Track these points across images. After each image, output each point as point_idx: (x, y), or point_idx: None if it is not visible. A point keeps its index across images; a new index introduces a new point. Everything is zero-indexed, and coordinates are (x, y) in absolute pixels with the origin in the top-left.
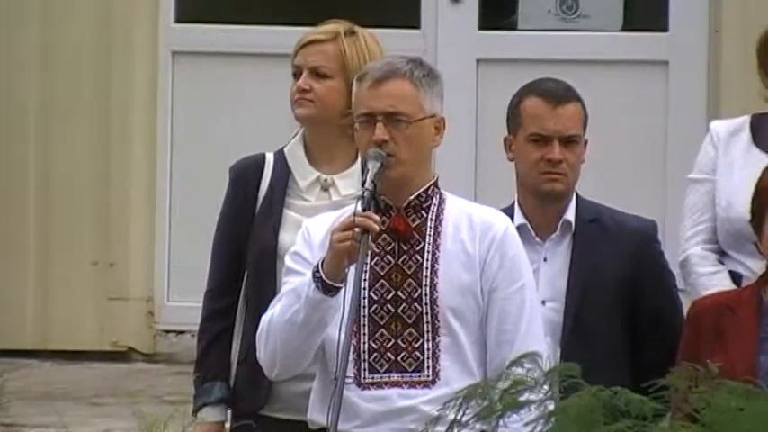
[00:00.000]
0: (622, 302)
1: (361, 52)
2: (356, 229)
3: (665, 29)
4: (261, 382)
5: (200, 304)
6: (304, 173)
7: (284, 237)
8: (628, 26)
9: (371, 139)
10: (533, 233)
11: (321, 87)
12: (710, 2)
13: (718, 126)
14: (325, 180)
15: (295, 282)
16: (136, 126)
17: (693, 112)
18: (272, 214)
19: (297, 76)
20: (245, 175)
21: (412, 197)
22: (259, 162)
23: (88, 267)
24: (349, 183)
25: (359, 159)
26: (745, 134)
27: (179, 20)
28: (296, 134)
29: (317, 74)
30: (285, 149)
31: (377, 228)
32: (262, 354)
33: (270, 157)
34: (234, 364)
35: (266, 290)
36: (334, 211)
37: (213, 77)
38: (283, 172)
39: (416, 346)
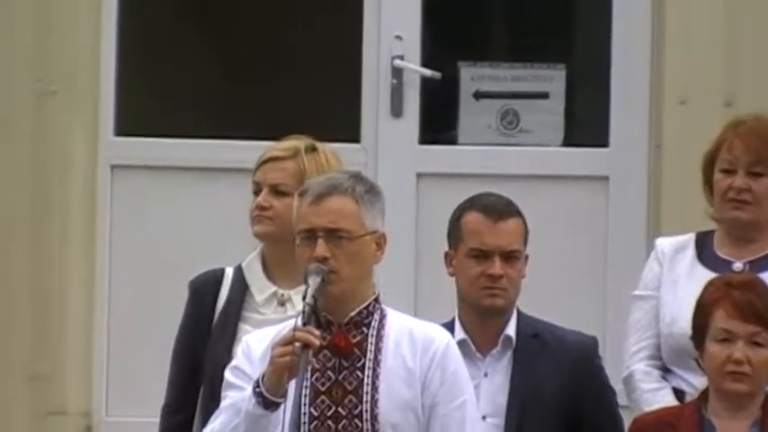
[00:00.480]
0: (562, 419)
1: (320, 168)
2: (297, 344)
3: (605, 144)
4: None
5: (140, 419)
6: (261, 287)
7: (238, 352)
8: (568, 141)
9: (312, 255)
10: (474, 348)
11: (280, 205)
12: (651, 118)
13: (664, 243)
14: (282, 294)
15: (235, 396)
16: (74, 239)
17: (633, 227)
18: (228, 328)
19: (256, 192)
20: (204, 288)
21: (353, 313)
22: (218, 276)
23: (24, 381)
24: None
25: None
26: (690, 251)
27: (119, 133)
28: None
29: (276, 191)
30: (243, 264)
31: (317, 342)
32: None
33: (229, 272)
34: None
35: (219, 404)
36: (273, 326)
37: (153, 191)
38: (241, 286)
39: None
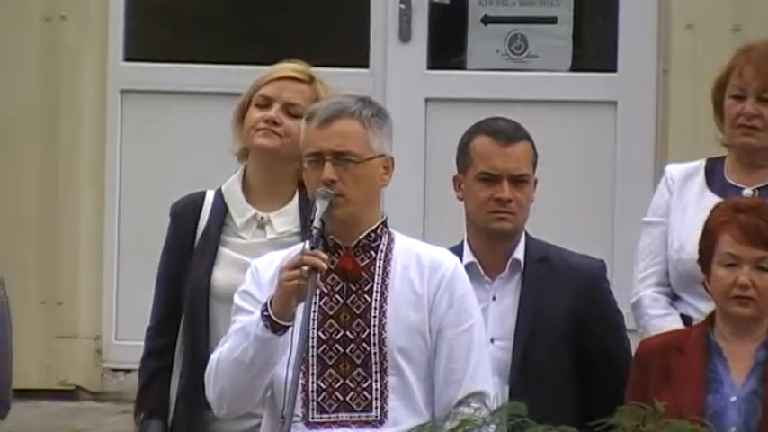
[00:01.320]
0: (570, 341)
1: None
2: (304, 268)
3: (613, 69)
4: (199, 419)
5: None
6: (241, 210)
7: (218, 274)
8: (576, 66)
9: (320, 178)
10: (482, 272)
11: (292, 125)
12: (659, 42)
13: (673, 169)
14: (262, 218)
15: (244, 320)
16: (83, 164)
17: (641, 153)
18: (207, 252)
19: (263, 106)
20: (184, 213)
21: (361, 237)
22: (198, 200)
23: (36, 306)
24: (285, 220)
25: (296, 197)
26: (700, 178)
27: (128, 58)
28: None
29: (288, 111)
30: (223, 187)
31: (324, 266)
32: (210, 392)
33: (209, 196)
34: (172, 401)
35: (199, 327)
36: (274, 251)
37: (162, 116)
38: (221, 210)
39: (365, 386)
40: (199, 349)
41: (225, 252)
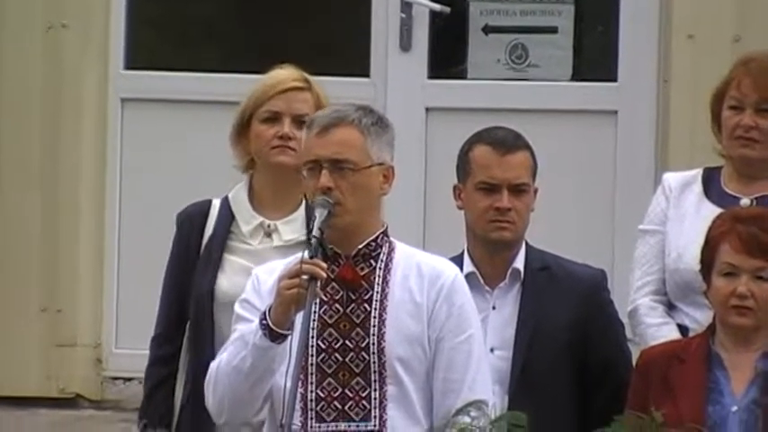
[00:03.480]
0: (571, 351)
1: (326, 101)
2: (303, 276)
3: (614, 79)
4: (204, 427)
5: (148, 351)
6: (247, 218)
7: (223, 281)
8: (577, 76)
9: (317, 186)
10: (482, 281)
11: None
12: (659, 52)
13: (671, 178)
14: (269, 225)
15: (243, 329)
16: (84, 172)
17: (641, 162)
18: (213, 259)
19: (271, 121)
20: (190, 221)
21: (361, 246)
22: (204, 208)
23: (36, 314)
24: (292, 228)
25: (303, 205)
26: (697, 187)
27: (129, 67)
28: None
29: (298, 122)
30: (230, 196)
31: (324, 275)
32: (210, 400)
33: (216, 204)
34: (177, 409)
35: (204, 334)
36: (281, 257)
37: (163, 125)
38: (227, 217)
39: (363, 395)
40: (204, 357)
41: (231, 259)
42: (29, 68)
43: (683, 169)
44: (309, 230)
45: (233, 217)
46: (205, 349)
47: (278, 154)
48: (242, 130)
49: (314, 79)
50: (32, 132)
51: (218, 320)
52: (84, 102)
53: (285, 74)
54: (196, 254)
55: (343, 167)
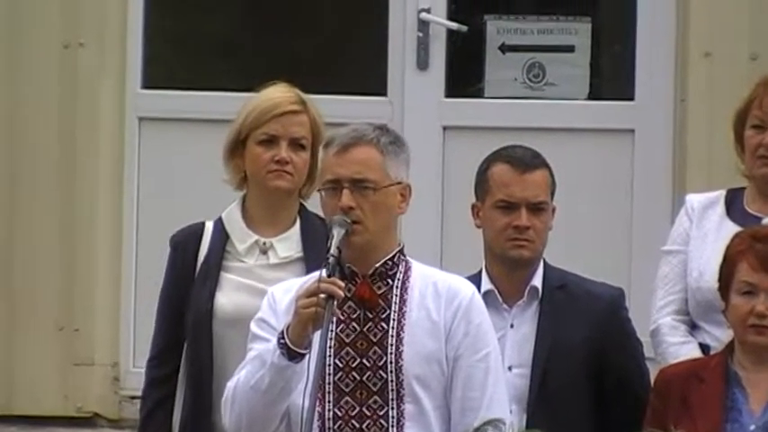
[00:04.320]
0: (589, 369)
1: (321, 120)
2: (321, 295)
3: (631, 98)
4: None
5: None
6: (242, 236)
7: (221, 299)
8: (594, 95)
9: (337, 205)
10: (500, 299)
11: (299, 160)
12: (676, 71)
13: (694, 199)
14: (264, 243)
15: (260, 348)
16: (101, 191)
17: (659, 181)
18: (210, 278)
19: (267, 143)
20: (185, 242)
21: (378, 264)
22: (198, 230)
23: (53, 333)
24: (287, 245)
25: (297, 223)
26: (720, 207)
27: (146, 86)
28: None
29: (296, 145)
30: (223, 216)
31: (341, 294)
32: (227, 419)
33: (209, 225)
34: (175, 430)
35: (203, 352)
36: (277, 274)
37: (180, 144)
38: (221, 237)
39: (381, 414)
40: (202, 375)
41: (228, 277)
42: (46, 87)
43: (701, 188)
44: (327, 249)
45: (227, 236)
46: (204, 368)
47: (275, 178)
48: (236, 147)
49: (307, 97)
50: (50, 152)
51: (218, 338)
52: (101, 121)
53: (281, 96)
54: (191, 275)
55: (364, 187)
